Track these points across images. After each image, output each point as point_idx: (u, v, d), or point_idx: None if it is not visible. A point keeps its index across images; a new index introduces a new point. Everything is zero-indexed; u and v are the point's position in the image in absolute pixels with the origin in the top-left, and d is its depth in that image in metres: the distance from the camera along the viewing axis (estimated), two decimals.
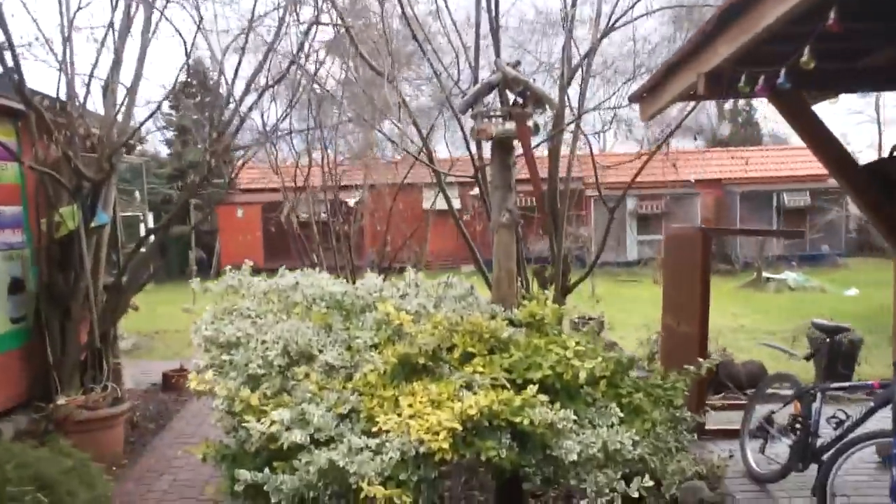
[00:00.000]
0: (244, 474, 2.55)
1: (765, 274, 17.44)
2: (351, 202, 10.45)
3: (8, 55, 5.01)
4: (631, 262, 21.50)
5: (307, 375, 3.11)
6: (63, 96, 5.74)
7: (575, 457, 2.76)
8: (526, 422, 2.76)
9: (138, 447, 5.76)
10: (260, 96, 6.54)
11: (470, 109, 4.04)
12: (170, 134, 21.66)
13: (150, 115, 5.66)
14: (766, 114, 27.84)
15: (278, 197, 19.36)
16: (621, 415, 3.08)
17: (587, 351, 3.26)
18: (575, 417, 2.86)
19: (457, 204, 18.33)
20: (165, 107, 21.60)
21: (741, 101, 28.31)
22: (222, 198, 16.35)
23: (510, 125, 3.75)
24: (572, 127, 6.36)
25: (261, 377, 3.09)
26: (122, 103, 5.81)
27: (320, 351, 3.24)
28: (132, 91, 6.15)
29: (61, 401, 5.55)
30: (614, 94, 6.46)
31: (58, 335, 5.97)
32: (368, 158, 9.31)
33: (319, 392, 3.01)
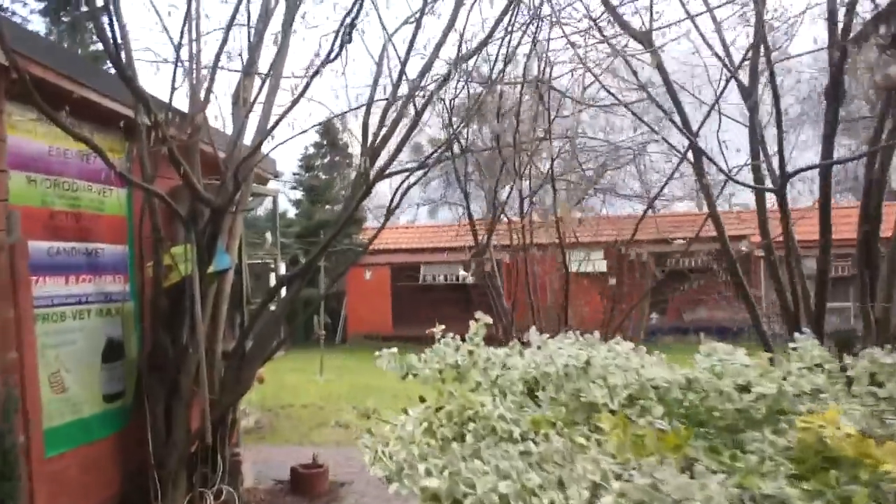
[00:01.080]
0: None
1: None
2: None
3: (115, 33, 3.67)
4: None
5: None
6: (177, 105, 4.37)
7: None
8: None
9: None
10: (425, 104, 4.99)
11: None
12: (298, 195, 21.10)
13: (288, 109, 4.06)
14: None
15: (408, 258, 18.13)
16: None
17: None
18: None
19: (602, 265, 16.00)
20: (294, 166, 21.23)
21: None
22: (358, 257, 15.12)
23: None
24: None
25: None
26: (254, 104, 4.34)
27: None
28: (266, 105, 4.75)
29: None
30: None
31: (162, 419, 4.43)
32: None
33: None
